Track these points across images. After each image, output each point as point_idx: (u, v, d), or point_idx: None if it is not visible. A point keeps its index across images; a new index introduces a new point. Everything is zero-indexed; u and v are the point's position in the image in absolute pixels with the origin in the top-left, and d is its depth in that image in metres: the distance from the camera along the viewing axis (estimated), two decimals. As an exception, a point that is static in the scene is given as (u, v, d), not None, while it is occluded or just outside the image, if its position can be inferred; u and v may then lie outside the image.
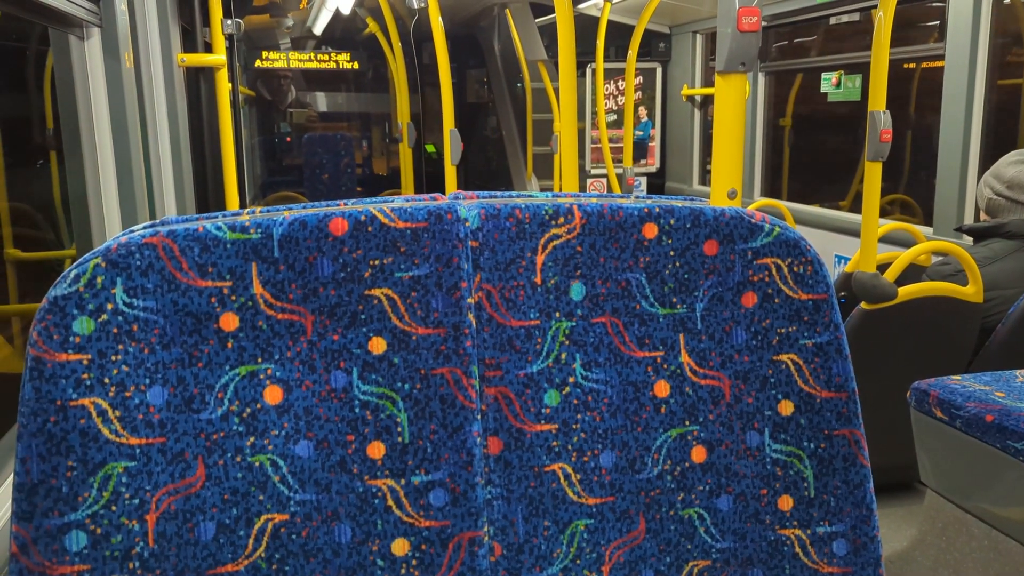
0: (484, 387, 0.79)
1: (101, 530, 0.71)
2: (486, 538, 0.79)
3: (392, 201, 0.79)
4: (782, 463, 0.85)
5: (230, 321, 0.74)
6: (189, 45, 2.94)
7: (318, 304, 0.76)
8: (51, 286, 0.71)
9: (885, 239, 3.15)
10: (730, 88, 1.28)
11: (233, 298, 0.74)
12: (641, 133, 5.86)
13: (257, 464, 0.76)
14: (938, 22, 3.64)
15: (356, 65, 5.59)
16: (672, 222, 0.81)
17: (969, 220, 3.22)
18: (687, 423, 0.84)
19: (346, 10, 4.71)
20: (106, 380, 0.71)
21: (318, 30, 5.37)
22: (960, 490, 1.59)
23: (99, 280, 0.71)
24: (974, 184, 3.20)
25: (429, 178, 5.38)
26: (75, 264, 0.71)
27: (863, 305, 2.31)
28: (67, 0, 1.42)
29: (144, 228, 0.75)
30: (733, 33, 1.22)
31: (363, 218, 0.75)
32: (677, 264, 0.82)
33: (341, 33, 5.54)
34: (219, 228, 0.73)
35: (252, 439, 0.75)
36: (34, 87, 3.00)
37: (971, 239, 2.71)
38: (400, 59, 4.87)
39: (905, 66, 4.16)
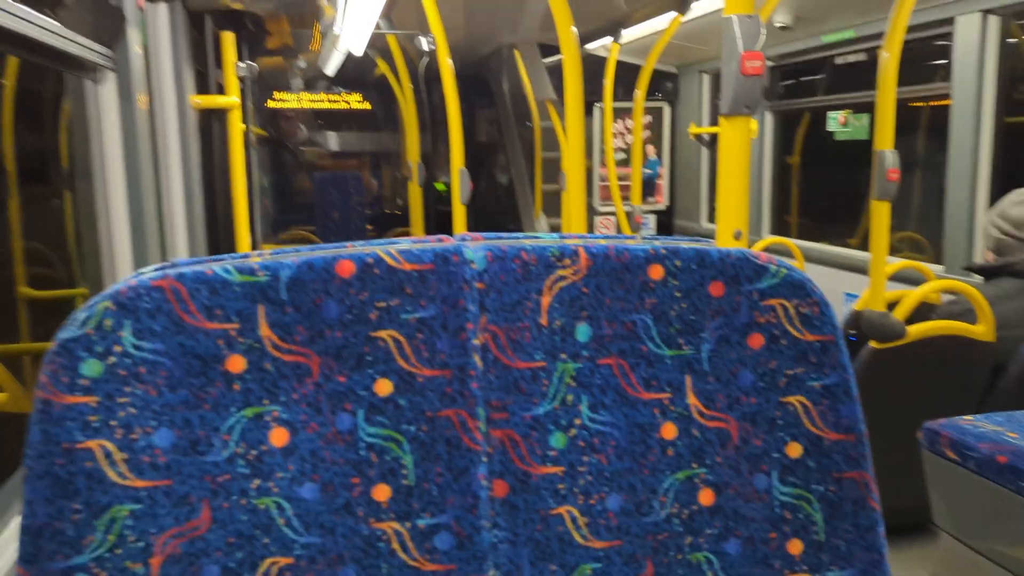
0: (490, 429, 0.79)
1: (106, 574, 0.71)
2: None
3: (399, 243, 0.79)
4: (791, 506, 0.84)
5: (237, 363, 0.75)
6: (202, 87, 2.99)
7: (324, 346, 0.76)
8: (60, 328, 0.72)
9: (895, 277, 3.15)
10: (734, 130, 1.29)
11: (240, 340, 0.74)
12: (649, 171, 5.90)
13: (262, 507, 0.75)
14: (944, 60, 3.67)
15: (367, 105, 5.66)
16: (678, 263, 0.82)
17: (978, 258, 3.21)
18: (694, 465, 0.83)
19: (357, 52, 4.78)
20: (113, 422, 0.71)
21: (329, 71, 5.45)
22: (974, 532, 1.57)
23: (107, 323, 0.71)
24: (983, 222, 3.20)
25: (439, 216, 5.42)
26: (84, 307, 0.72)
27: (873, 344, 2.29)
28: (81, 46, 1.45)
29: (153, 270, 0.76)
30: (737, 77, 1.24)
31: (370, 260, 0.76)
32: (683, 305, 0.82)
33: (352, 74, 5.62)
34: (227, 271, 0.74)
35: (257, 481, 0.75)
36: (50, 127, 3.05)
37: (981, 277, 2.70)
38: (410, 99, 4.93)
39: (911, 104, 4.19)
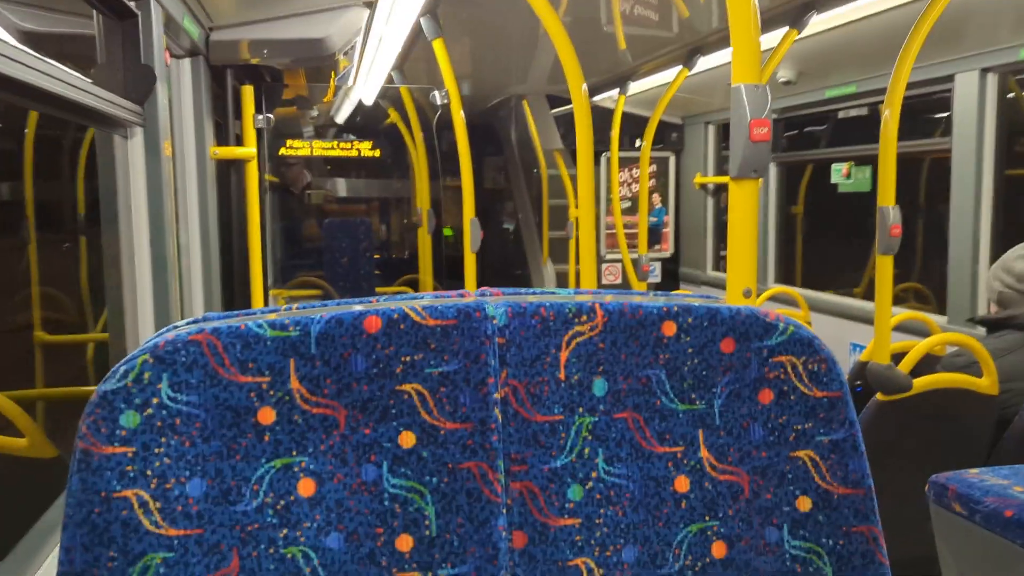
0: (510, 481, 0.81)
1: None
2: None
3: (422, 298, 0.83)
4: (801, 560, 0.86)
5: (268, 415, 0.77)
6: (221, 138, 3.07)
7: (351, 399, 0.79)
8: (101, 381, 0.75)
9: (899, 327, 3.17)
10: (743, 193, 1.33)
11: (271, 393, 0.77)
12: (655, 219, 5.96)
13: (289, 556, 0.78)
14: (945, 114, 3.74)
15: (377, 153, 5.74)
16: (690, 320, 0.85)
17: (982, 310, 3.24)
18: (707, 518, 0.86)
19: (368, 101, 4.88)
20: (148, 472, 0.74)
21: (341, 120, 5.55)
22: (983, 586, 1.57)
23: (146, 376, 0.74)
24: (986, 274, 3.23)
25: (447, 262, 5.46)
26: (124, 360, 0.75)
27: (878, 396, 2.31)
28: (117, 105, 1.50)
29: (188, 324, 0.79)
30: (745, 143, 1.29)
31: (396, 316, 0.79)
32: (695, 361, 0.85)
33: (363, 122, 5.72)
34: (260, 326, 0.77)
35: (285, 531, 0.78)
36: (67, 174, 3.11)
37: (984, 330, 2.72)
38: (421, 148, 5.02)
39: (914, 155, 4.25)
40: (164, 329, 0.78)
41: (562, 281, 5.50)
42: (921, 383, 2.31)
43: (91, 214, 3.12)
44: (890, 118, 2.28)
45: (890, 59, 2.34)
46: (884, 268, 2.32)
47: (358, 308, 0.80)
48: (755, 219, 1.33)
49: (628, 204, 5.87)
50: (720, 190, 5.80)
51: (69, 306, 3.13)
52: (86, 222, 3.15)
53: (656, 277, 5.84)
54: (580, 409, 0.83)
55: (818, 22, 3.04)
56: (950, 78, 3.37)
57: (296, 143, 5.41)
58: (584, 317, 0.83)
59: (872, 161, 4.25)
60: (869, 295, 4.40)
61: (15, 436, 1.57)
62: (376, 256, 5.95)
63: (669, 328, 0.85)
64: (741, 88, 1.32)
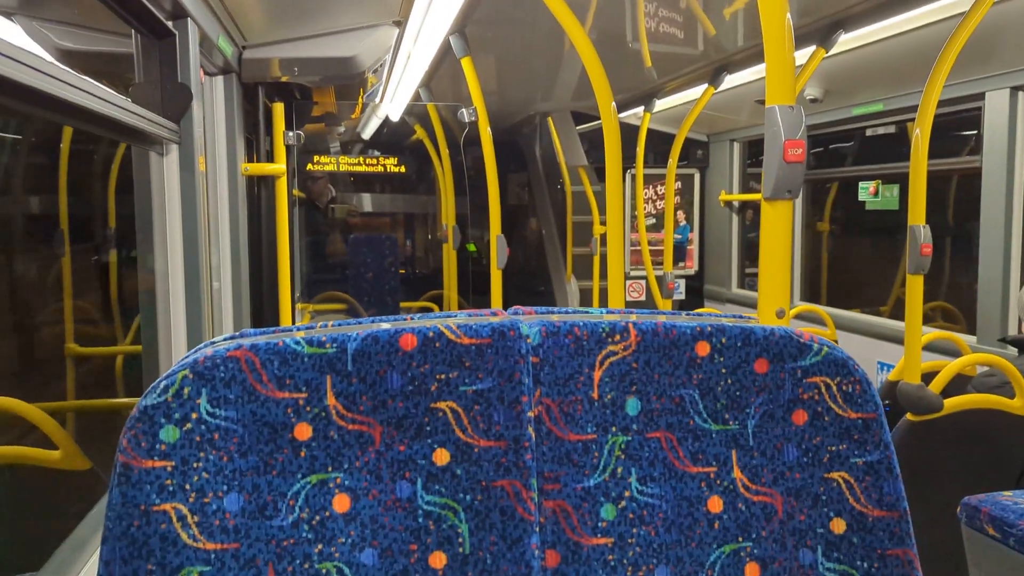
0: (543, 500, 0.81)
1: None
2: None
3: (456, 316, 0.83)
4: None
5: (304, 431, 0.78)
6: (251, 154, 3.11)
7: (387, 416, 0.80)
8: (142, 396, 0.76)
9: (928, 347, 3.14)
10: (777, 213, 1.33)
11: (308, 409, 0.78)
12: (680, 237, 5.95)
13: (324, 571, 0.78)
14: (975, 132, 3.71)
15: (403, 169, 5.78)
16: (724, 340, 0.85)
17: (1013, 329, 3.20)
18: (740, 539, 0.85)
19: (395, 118, 4.93)
20: (187, 486, 0.75)
21: (367, 135, 5.59)
22: (1017, 612, 1.55)
23: (186, 391, 0.75)
24: (1017, 293, 3.19)
25: (474, 279, 5.48)
26: (164, 375, 0.76)
27: (909, 416, 2.29)
28: (153, 123, 1.53)
29: (226, 340, 0.80)
30: (780, 163, 1.29)
31: (431, 334, 0.80)
32: (729, 381, 0.85)
33: (389, 138, 5.76)
34: (297, 343, 0.78)
35: (320, 546, 0.78)
36: (99, 188, 3.16)
37: (1016, 349, 2.69)
38: (447, 164, 5.05)
39: (943, 173, 4.22)
40: (202, 344, 0.80)
41: (585, 297, 5.50)
42: (952, 403, 2.28)
43: (121, 228, 3.17)
44: (920, 136, 2.26)
45: (917, 77, 2.33)
46: (914, 287, 2.30)
47: (393, 326, 0.81)
48: (788, 239, 1.33)
49: (653, 221, 5.86)
50: (745, 207, 5.78)
51: (99, 318, 3.17)
52: (116, 235, 3.20)
53: (681, 294, 5.82)
54: (613, 428, 0.84)
55: (846, 41, 3.04)
56: (980, 96, 3.34)
57: (323, 159, 5.47)
58: (617, 336, 0.84)
59: (900, 179, 4.22)
60: (896, 314, 4.36)
61: (48, 448, 1.60)
62: (401, 271, 5.98)
63: (703, 348, 0.85)
64: (776, 109, 1.32)
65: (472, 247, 6.25)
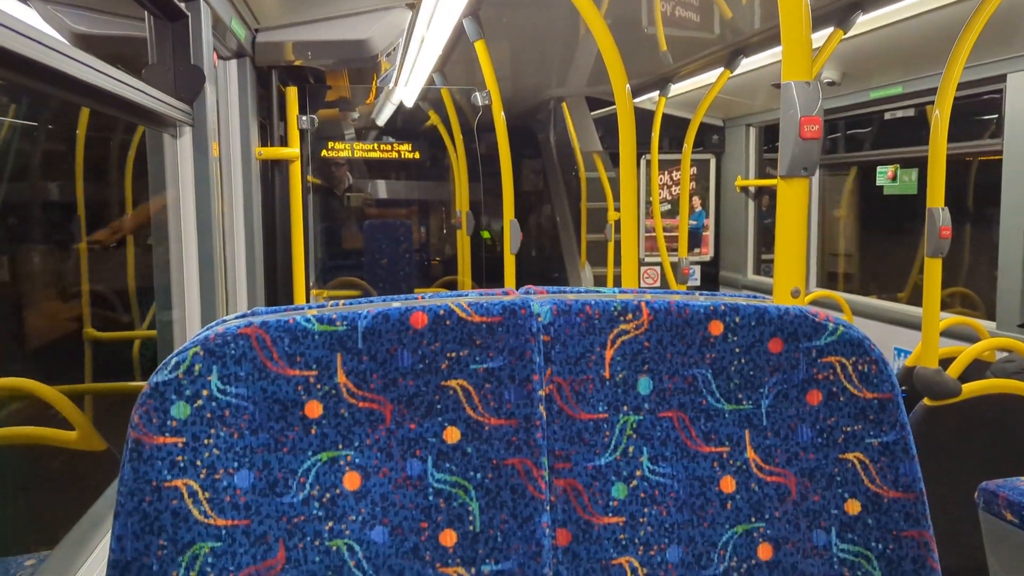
0: (553, 478, 0.81)
1: None
2: None
3: (468, 295, 0.83)
4: (850, 563, 0.85)
5: (315, 409, 0.78)
6: (264, 139, 3.11)
7: (397, 394, 0.80)
8: (153, 372, 0.76)
9: (946, 333, 3.11)
10: (792, 191, 1.32)
11: (319, 387, 0.78)
12: (695, 223, 5.92)
13: (334, 548, 0.78)
14: (995, 116, 3.66)
15: (417, 155, 5.78)
16: (737, 320, 0.84)
17: (1033, 315, 3.16)
18: (753, 520, 0.85)
19: (408, 103, 4.92)
20: (198, 463, 0.75)
21: (381, 122, 5.59)
22: (1035, 598, 1.53)
23: (197, 368, 0.76)
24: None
25: (487, 265, 5.48)
26: (176, 352, 0.76)
27: (926, 401, 2.27)
28: (167, 104, 1.54)
29: (237, 318, 0.80)
30: (796, 140, 1.27)
31: (442, 312, 0.80)
32: (742, 361, 0.84)
33: (403, 125, 5.76)
34: (308, 320, 0.78)
35: (331, 523, 0.78)
36: (116, 175, 3.18)
37: (1036, 335, 2.66)
38: (461, 150, 5.04)
39: (967, 159, 4.17)
40: (214, 323, 0.80)
41: (599, 284, 5.49)
42: (971, 388, 2.26)
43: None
44: (940, 118, 2.23)
45: (937, 59, 2.30)
46: (933, 271, 2.27)
47: (403, 304, 0.81)
48: (804, 218, 1.32)
49: (667, 207, 5.84)
50: (761, 193, 5.74)
51: (116, 304, 3.19)
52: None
53: (696, 280, 5.80)
54: (625, 407, 0.83)
55: (864, 22, 3.00)
56: (1002, 78, 3.29)
57: (338, 145, 5.47)
58: (630, 315, 0.83)
59: (918, 163, 4.18)
60: (913, 300, 4.32)
61: (66, 429, 1.61)
62: (415, 258, 5.99)
63: (716, 327, 0.84)
64: (792, 85, 1.30)
65: (486, 234, 6.25)
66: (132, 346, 3.09)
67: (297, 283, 3.08)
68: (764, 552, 0.85)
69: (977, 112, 3.88)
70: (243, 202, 2.47)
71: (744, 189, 5.73)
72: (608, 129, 5.49)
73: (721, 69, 3.88)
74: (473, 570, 0.80)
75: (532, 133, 6.26)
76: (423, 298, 0.83)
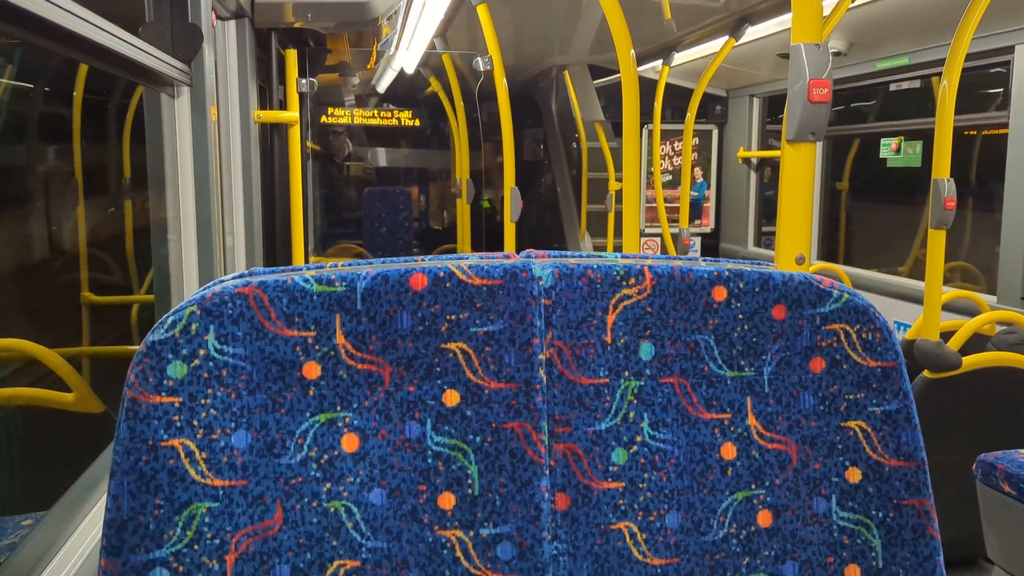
0: (553, 443, 0.81)
1: (183, 568, 0.74)
2: None
3: (468, 258, 0.82)
4: (849, 531, 0.85)
5: (313, 370, 0.78)
6: (263, 101, 3.08)
7: (396, 356, 0.79)
8: (149, 331, 0.75)
9: (947, 307, 3.10)
10: (798, 156, 1.30)
11: (317, 348, 0.77)
12: (696, 194, 5.89)
13: (332, 510, 0.78)
14: (1001, 89, 3.62)
15: (417, 122, 5.74)
16: (741, 286, 0.83)
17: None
18: (753, 487, 0.84)
19: (409, 69, 4.87)
20: (195, 422, 0.75)
21: (382, 88, 5.54)
22: (1030, 569, 1.54)
23: (194, 327, 0.75)
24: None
25: (487, 234, 5.46)
26: (172, 311, 0.75)
27: (926, 374, 2.27)
28: (164, 63, 1.51)
29: (234, 278, 0.79)
30: (804, 104, 1.25)
31: (442, 274, 0.78)
32: (745, 327, 0.83)
33: (404, 92, 5.71)
34: (306, 280, 0.77)
35: (328, 485, 0.78)
36: (114, 139, 3.15)
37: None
38: (462, 117, 5.00)
39: (966, 133, 4.14)
40: (212, 282, 0.78)
41: None
42: (971, 361, 2.26)
43: (136, 178, 3.17)
44: (948, 88, 2.21)
45: (945, 30, 2.27)
46: (936, 242, 2.26)
47: (403, 265, 0.79)
48: (810, 183, 1.30)
49: (669, 178, 5.80)
50: (764, 164, 5.70)
51: (115, 268, 3.18)
52: (131, 186, 3.19)
53: (696, 252, 5.78)
54: (626, 373, 0.82)
55: (873, -10, 2.95)
56: (1010, 49, 3.25)
57: (337, 111, 5.43)
58: (632, 280, 0.82)
59: (923, 136, 4.14)
60: (914, 274, 4.31)
61: (63, 391, 1.61)
62: (415, 226, 5.97)
63: (719, 293, 0.83)
64: (801, 47, 1.28)
65: (487, 203, 6.23)
66: (130, 310, 3.08)
67: (296, 248, 3.07)
68: (764, 519, 0.84)
69: (983, 85, 3.84)
70: (242, 166, 2.45)
71: (746, 160, 5.69)
72: (610, 99, 5.44)
73: (726, 38, 3.83)
74: (471, 533, 0.79)
75: (534, 102, 6.20)
76: (423, 260, 0.81)
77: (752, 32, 3.74)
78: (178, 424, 0.74)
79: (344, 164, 5.84)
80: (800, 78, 1.26)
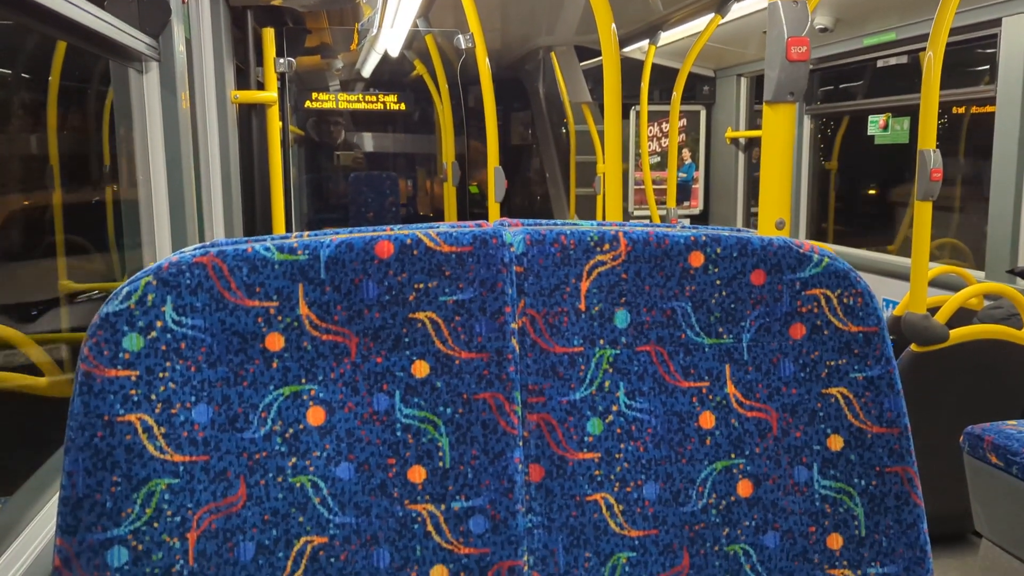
0: (526, 413, 0.78)
1: (143, 546, 0.72)
2: (526, 567, 0.78)
3: (438, 226, 0.79)
4: (831, 500, 0.83)
5: (276, 341, 0.75)
6: (242, 83, 3.03)
7: (363, 326, 0.76)
8: (103, 303, 0.72)
9: (935, 283, 3.09)
10: (779, 118, 1.27)
11: (280, 319, 0.75)
12: (684, 175, 5.86)
13: (298, 485, 0.75)
14: (987, 65, 3.60)
15: (403, 106, 5.70)
16: (719, 251, 0.81)
17: (1022, 262, 3.15)
18: (733, 456, 0.82)
19: (394, 52, 4.82)
20: (153, 397, 0.72)
21: (366, 72, 5.49)
22: (1017, 540, 1.53)
23: (150, 298, 0.72)
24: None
25: (472, 217, 5.44)
26: (127, 282, 0.72)
27: (913, 347, 2.25)
28: (129, 35, 1.47)
29: (194, 249, 0.76)
30: (782, 63, 1.22)
31: (409, 241, 0.76)
32: (723, 294, 0.81)
33: (389, 75, 5.66)
34: (267, 249, 0.74)
35: (294, 460, 0.75)
36: (93, 125, 3.10)
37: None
38: (447, 100, 4.95)
39: (954, 110, 4.12)
40: (172, 254, 0.76)
41: None
42: (958, 334, 2.25)
43: (116, 166, 3.12)
44: (933, 59, 2.18)
45: (932, 2, 2.24)
46: (923, 215, 2.25)
47: (369, 233, 0.77)
48: (790, 146, 1.27)
49: (657, 159, 5.77)
50: (752, 145, 5.68)
51: (97, 257, 3.13)
52: (111, 174, 3.15)
53: (685, 233, 5.75)
54: (601, 341, 0.80)
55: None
56: (996, 22, 3.23)
57: (322, 95, 5.38)
58: (607, 246, 0.79)
59: (910, 112, 4.13)
60: (903, 253, 4.30)
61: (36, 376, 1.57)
62: (401, 211, 5.94)
63: (696, 259, 0.81)
64: (779, 4, 1.24)
65: (474, 188, 6.19)
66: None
67: (277, 230, 3.03)
68: (744, 489, 0.82)
69: (970, 62, 3.82)
70: (219, 148, 2.41)
71: (735, 141, 5.67)
72: (598, 81, 5.38)
73: (712, 15, 3.79)
74: (443, 507, 0.77)
75: (521, 84, 6.16)
76: (391, 229, 0.79)
77: (738, 9, 3.71)
78: (135, 399, 0.71)
79: (335, 156, 5.80)
80: (778, 37, 1.23)
